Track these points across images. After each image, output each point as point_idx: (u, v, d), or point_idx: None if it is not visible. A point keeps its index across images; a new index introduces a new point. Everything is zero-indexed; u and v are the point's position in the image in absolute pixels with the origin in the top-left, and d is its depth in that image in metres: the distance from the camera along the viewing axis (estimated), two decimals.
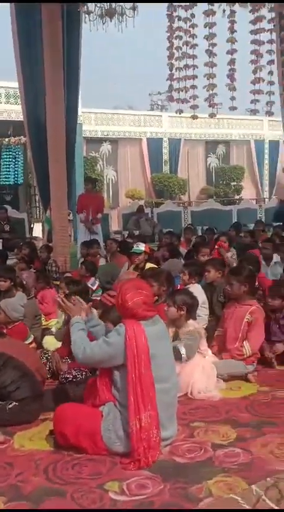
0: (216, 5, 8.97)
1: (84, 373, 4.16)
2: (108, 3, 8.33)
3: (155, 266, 6.79)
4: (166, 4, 9.41)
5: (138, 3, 8.27)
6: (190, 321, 4.29)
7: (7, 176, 16.59)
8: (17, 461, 3.11)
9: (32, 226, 13.98)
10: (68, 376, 4.17)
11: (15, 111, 15.38)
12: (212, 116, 10.06)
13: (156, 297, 5.03)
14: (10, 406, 3.56)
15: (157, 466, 2.99)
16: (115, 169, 20.81)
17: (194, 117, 10.01)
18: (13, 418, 3.55)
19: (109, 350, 3.17)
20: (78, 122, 10.50)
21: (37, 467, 3.02)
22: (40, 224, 14.12)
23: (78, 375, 4.15)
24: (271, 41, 9.72)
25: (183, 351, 4.04)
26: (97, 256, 8.21)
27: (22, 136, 16.03)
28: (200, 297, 5.10)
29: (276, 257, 7.34)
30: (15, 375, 3.65)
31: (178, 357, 3.91)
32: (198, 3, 9.00)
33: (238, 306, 4.67)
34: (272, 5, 9.29)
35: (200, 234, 11.27)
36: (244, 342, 4.48)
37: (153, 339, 3.17)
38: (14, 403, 3.57)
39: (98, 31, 8.44)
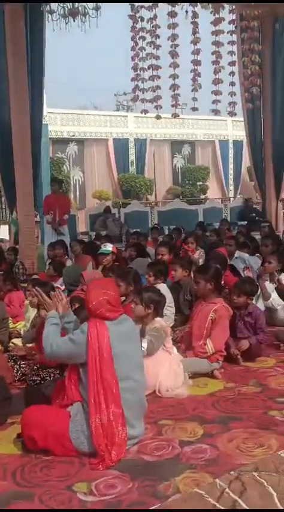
0: (178, 6, 9.06)
1: (51, 375, 4.15)
2: (71, 3, 8.32)
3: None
4: (129, 4, 9.45)
5: (100, 4, 8.29)
6: (157, 318, 4.33)
7: None
8: None
9: None
10: (36, 378, 4.15)
11: None
12: (175, 116, 10.18)
13: (123, 297, 5.07)
14: None
15: (125, 465, 3.01)
16: (82, 169, 20.75)
17: (158, 117, 10.10)
18: None
19: (73, 347, 3.22)
20: (43, 122, 10.45)
21: (5, 471, 3.00)
22: (6, 226, 13.94)
23: (47, 377, 4.13)
24: (232, 42, 9.86)
25: (144, 344, 4.07)
26: (65, 257, 8.17)
27: None
28: (166, 296, 5.15)
29: (237, 253, 7.49)
30: None
31: None
32: (159, 4, 9.07)
33: (204, 304, 4.73)
34: (234, 6, 9.44)
35: (167, 233, 11.34)
36: (207, 340, 4.54)
37: (118, 338, 3.20)
38: None
39: (62, 31, 8.42)
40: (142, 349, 4.02)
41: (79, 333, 3.24)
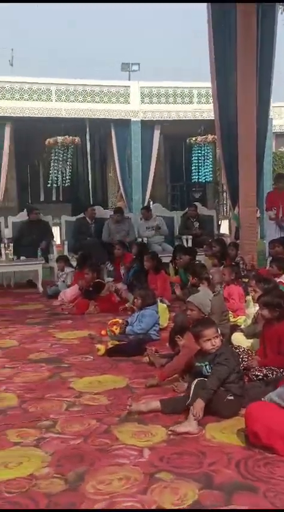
0: None
1: (274, 372, 4.10)
2: None
3: None
4: None
5: None
6: None
7: (197, 174, 17.11)
8: (209, 451, 3.19)
9: (219, 223, 14.13)
10: (259, 373, 4.15)
11: (206, 110, 15.75)
12: None
13: None
14: (229, 397, 3.62)
15: None
16: None
17: None
18: (223, 410, 3.61)
19: None
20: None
21: (229, 460, 3.06)
22: (226, 221, 14.21)
23: (269, 373, 4.10)
24: None
25: None
26: None
27: (209, 135, 16.36)
28: None
29: None
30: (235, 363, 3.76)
31: None
32: None
33: None
34: None
35: None
36: None
37: None
38: (231, 397, 3.63)
39: None
40: None
41: None
